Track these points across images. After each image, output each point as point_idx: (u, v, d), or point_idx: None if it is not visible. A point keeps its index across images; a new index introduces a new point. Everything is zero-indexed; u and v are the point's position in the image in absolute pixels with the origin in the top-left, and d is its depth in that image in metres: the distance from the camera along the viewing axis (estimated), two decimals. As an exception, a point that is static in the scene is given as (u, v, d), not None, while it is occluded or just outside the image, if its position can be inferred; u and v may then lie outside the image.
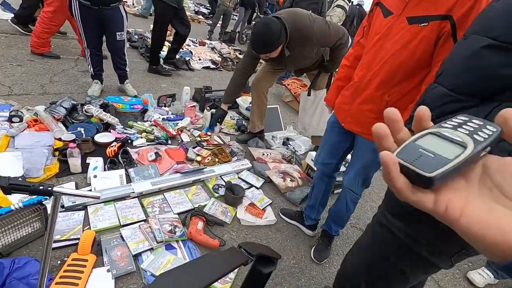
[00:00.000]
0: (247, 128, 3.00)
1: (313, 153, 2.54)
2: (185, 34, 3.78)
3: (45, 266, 0.93)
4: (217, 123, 2.70)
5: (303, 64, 2.38)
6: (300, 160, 2.75)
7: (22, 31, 3.78)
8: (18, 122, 2.08)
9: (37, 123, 2.14)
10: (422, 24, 1.08)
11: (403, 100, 1.26)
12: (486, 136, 0.26)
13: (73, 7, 2.45)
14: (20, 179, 1.65)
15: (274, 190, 2.29)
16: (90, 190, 1.75)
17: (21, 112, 2.16)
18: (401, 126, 0.29)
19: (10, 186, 0.81)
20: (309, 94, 2.64)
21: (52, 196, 0.87)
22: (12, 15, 4.30)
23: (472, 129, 0.28)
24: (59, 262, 1.36)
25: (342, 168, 2.19)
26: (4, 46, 3.39)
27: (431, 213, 0.25)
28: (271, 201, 2.13)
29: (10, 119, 2.07)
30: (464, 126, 0.28)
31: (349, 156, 1.70)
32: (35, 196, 1.45)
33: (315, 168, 2.41)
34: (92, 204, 1.67)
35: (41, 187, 0.84)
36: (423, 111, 0.29)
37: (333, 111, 1.61)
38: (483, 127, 0.27)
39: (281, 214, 2.05)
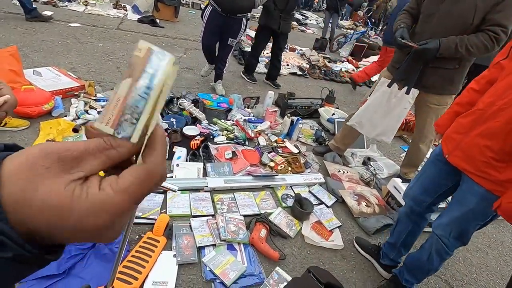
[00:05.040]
0: (325, 140, 2.86)
1: (398, 180, 2.24)
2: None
3: (125, 239, 1.03)
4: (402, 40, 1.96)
5: (450, 28, 1.79)
6: (380, 184, 2.47)
7: (246, 79, 4.03)
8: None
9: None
10: None
11: None
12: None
13: (205, 12, 2.89)
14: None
15: (346, 212, 2.11)
16: (171, 177, 1.92)
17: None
18: None
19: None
20: (390, 85, 2.07)
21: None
22: (139, 16, 5.12)
23: None
24: (137, 236, 1.52)
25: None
26: (129, 42, 4.05)
27: None
28: (340, 224, 1.96)
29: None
30: None
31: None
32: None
33: (403, 202, 2.12)
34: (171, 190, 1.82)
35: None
36: None
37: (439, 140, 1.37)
38: None
39: (355, 243, 1.86)
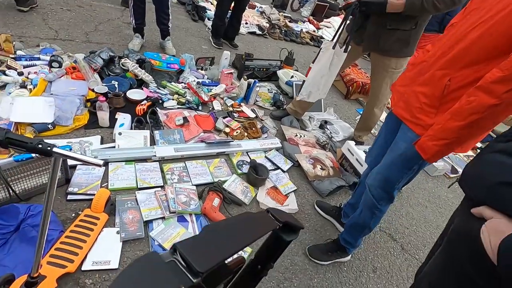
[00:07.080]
0: (283, 104, 2.79)
1: (351, 143, 2.29)
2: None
3: (45, 224, 0.88)
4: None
5: None
6: (335, 147, 2.52)
7: (212, 43, 3.61)
8: (57, 67, 2.09)
9: (75, 71, 2.14)
10: None
11: (465, 90, 0.97)
12: None
13: None
14: (50, 126, 1.66)
15: (301, 176, 2.13)
16: (114, 147, 1.73)
17: (61, 58, 2.16)
18: None
19: (7, 140, 0.74)
20: (334, 47, 1.94)
21: (52, 157, 0.79)
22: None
23: None
24: (73, 215, 1.37)
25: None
26: (58, -11, 3.42)
27: None
28: (295, 188, 1.98)
29: (50, 64, 2.09)
30: None
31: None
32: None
33: (356, 164, 2.18)
34: (114, 161, 1.65)
35: (39, 146, 0.76)
36: None
37: None
38: None
39: (316, 206, 1.90)
